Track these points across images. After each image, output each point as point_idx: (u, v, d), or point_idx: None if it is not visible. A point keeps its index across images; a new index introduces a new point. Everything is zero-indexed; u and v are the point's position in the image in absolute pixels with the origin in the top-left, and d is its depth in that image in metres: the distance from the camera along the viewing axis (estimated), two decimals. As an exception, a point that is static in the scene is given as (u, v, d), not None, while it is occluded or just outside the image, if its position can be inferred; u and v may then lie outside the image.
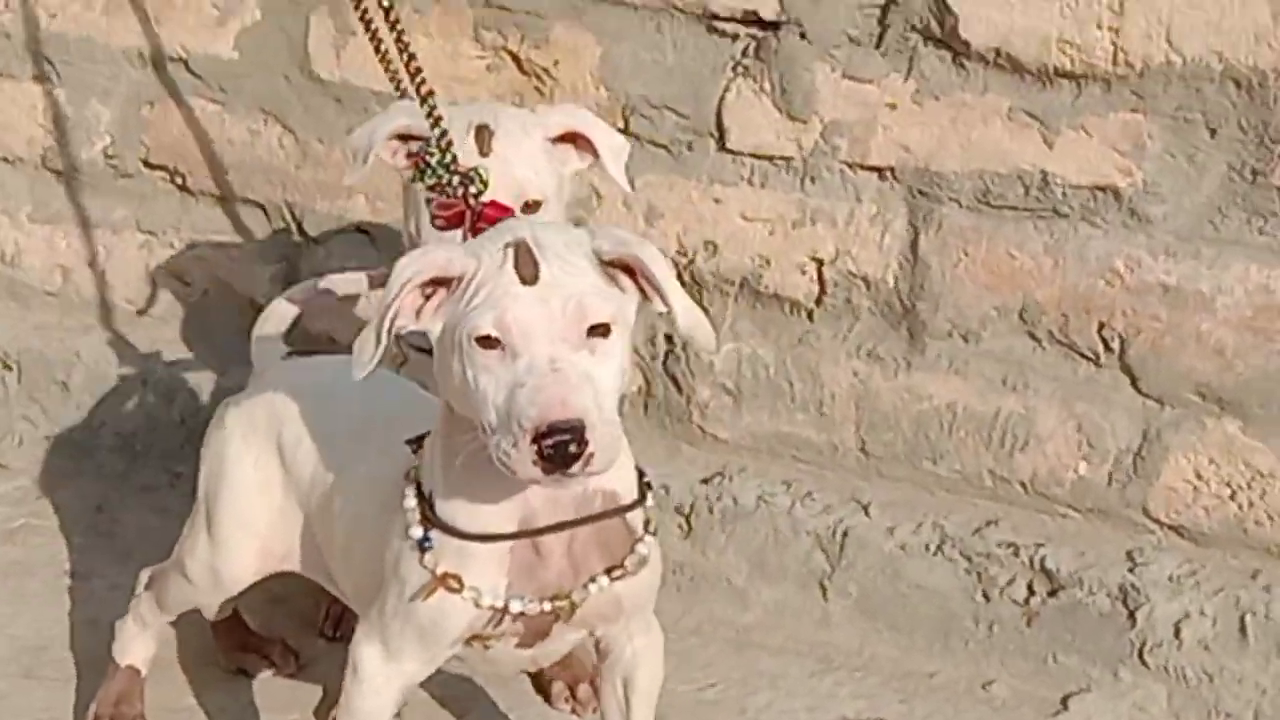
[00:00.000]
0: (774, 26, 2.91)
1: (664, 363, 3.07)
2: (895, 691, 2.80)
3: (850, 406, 2.96)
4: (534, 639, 2.20)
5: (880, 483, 2.97)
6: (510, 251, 2.00)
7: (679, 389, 3.06)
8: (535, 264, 1.99)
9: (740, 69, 2.94)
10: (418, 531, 2.13)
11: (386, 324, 2.01)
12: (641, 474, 2.18)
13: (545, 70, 3.05)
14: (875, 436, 2.96)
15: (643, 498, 2.16)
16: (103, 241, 3.43)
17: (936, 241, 2.88)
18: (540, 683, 2.76)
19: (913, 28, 2.83)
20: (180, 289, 3.40)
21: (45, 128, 3.44)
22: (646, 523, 2.17)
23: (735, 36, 2.94)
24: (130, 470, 3.32)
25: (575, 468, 1.95)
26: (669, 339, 3.06)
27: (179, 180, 3.37)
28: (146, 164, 3.39)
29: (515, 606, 2.13)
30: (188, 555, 2.50)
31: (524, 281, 1.99)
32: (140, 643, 2.65)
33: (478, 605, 2.12)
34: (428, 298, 2.04)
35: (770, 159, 2.95)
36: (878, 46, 2.86)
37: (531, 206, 2.44)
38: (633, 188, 2.58)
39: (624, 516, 2.14)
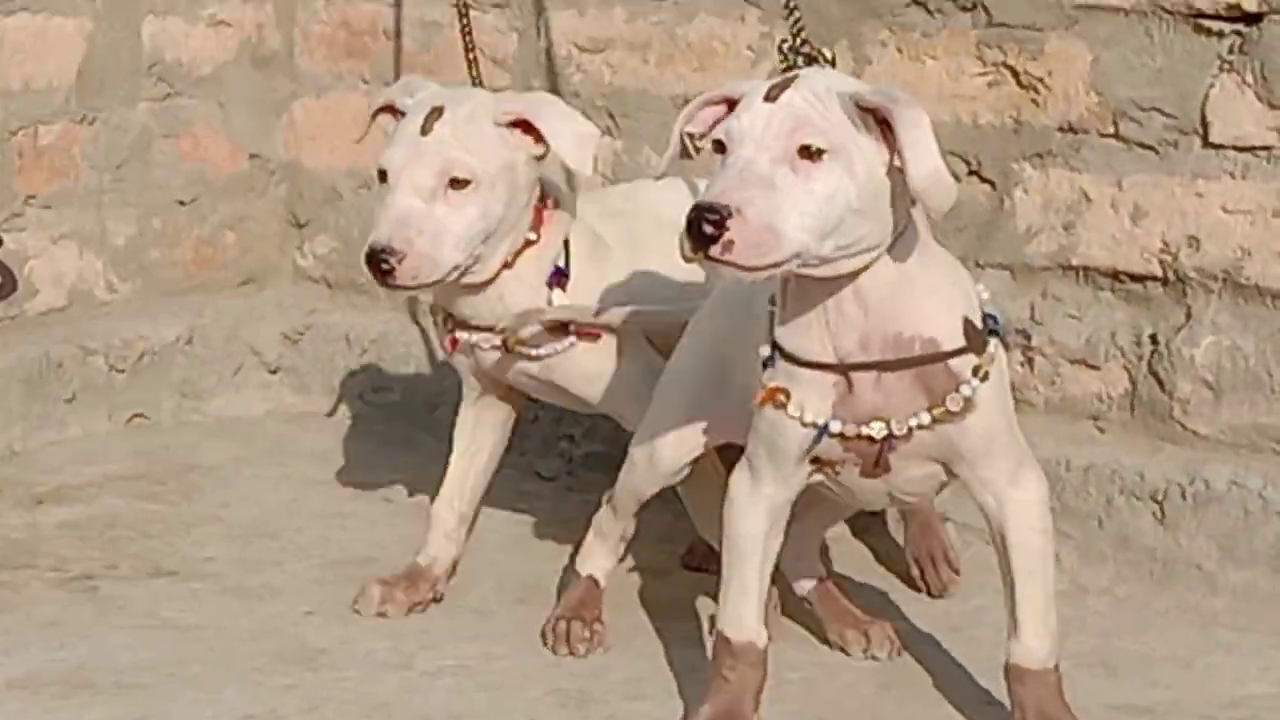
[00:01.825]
0: (1256, 19, 2.98)
1: (1149, 362, 3.11)
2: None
3: (1328, 392, 2.94)
4: (873, 469, 2.36)
5: (1360, 472, 2.91)
6: (766, 86, 2.25)
7: (1162, 387, 3.09)
8: (783, 89, 2.23)
9: (1225, 65, 3.01)
10: (765, 350, 2.36)
11: (681, 126, 2.32)
12: (984, 324, 2.33)
13: (1040, 81, 3.18)
14: (1353, 423, 2.92)
15: (974, 346, 2.30)
16: (647, 278, 3.72)
17: None
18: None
19: (1393, 3, 2.85)
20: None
21: (606, 176, 3.77)
22: (976, 369, 2.30)
23: (1220, 34, 3.02)
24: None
25: (714, 250, 2.14)
26: (1154, 339, 3.10)
27: (715, 217, 3.63)
28: (688, 203, 3.67)
29: (834, 426, 2.31)
30: (634, 445, 2.74)
31: (766, 99, 2.22)
32: (599, 554, 2.86)
33: (802, 423, 2.31)
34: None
35: (1251, 150, 3.00)
36: (1358, 27, 2.89)
37: (458, 184, 2.71)
38: (594, 172, 2.88)
39: (947, 364, 2.29)
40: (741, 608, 2.46)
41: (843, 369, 2.31)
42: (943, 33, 3.29)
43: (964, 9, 3.26)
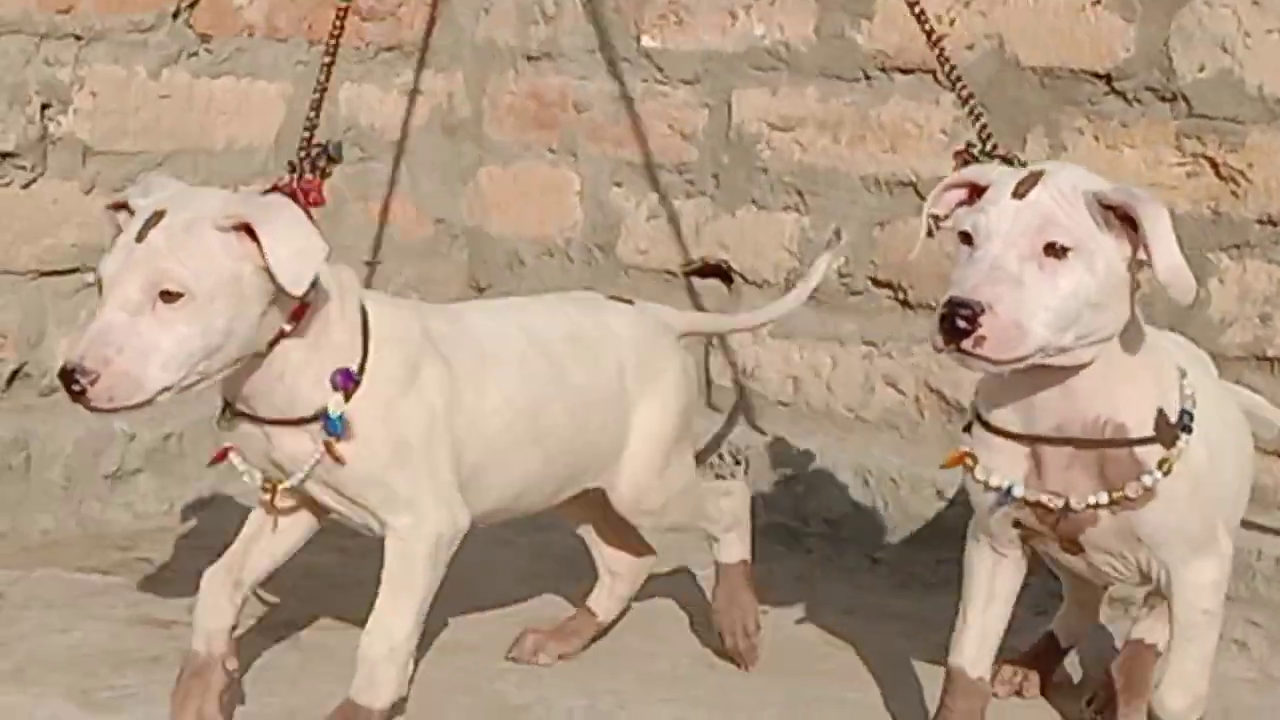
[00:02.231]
0: None
1: None
2: None
3: None
4: (1068, 545, 2.47)
5: None
6: (1013, 180, 2.34)
7: None
8: (1031, 186, 2.31)
9: None
10: (969, 420, 2.49)
11: (928, 209, 2.44)
12: (1179, 419, 2.40)
13: (1240, 173, 3.22)
14: None
15: (1163, 438, 2.38)
16: (830, 353, 3.77)
17: None
18: None
19: None
20: (894, 396, 3.69)
21: (790, 252, 3.83)
22: (1161, 461, 2.38)
23: None
24: (835, 554, 3.60)
25: (966, 344, 2.25)
26: None
27: (901, 295, 3.69)
28: (874, 282, 3.72)
29: (1017, 490, 2.42)
30: None
31: (1015, 195, 2.32)
32: None
33: (987, 486, 2.43)
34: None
35: None
36: None
37: (170, 296, 2.46)
38: (308, 290, 2.51)
39: (1132, 450, 2.37)
40: (961, 637, 2.59)
41: (1031, 440, 2.41)
42: (1141, 122, 3.34)
43: (1164, 99, 3.31)
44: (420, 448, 2.67)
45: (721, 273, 3.98)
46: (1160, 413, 2.40)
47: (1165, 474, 2.40)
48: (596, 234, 4.14)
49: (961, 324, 2.25)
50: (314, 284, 2.54)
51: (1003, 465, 2.44)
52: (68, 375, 2.43)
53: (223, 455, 2.71)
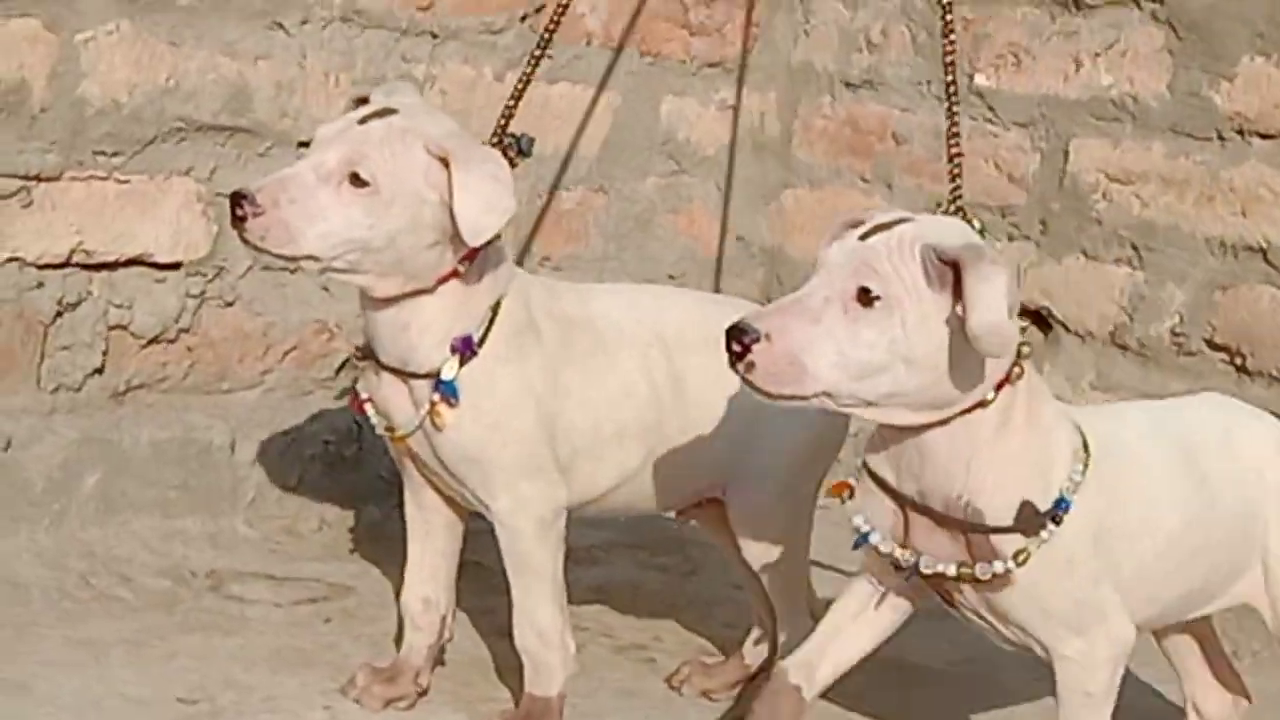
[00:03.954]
0: None
1: None
2: None
3: None
4: (949, 596, 2.41)
5: None
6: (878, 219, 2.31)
7: None
8: (882, 230, 2.29)
9: None
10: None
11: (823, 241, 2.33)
12: (1052, 508, 2.32)
13: None
14: None
15: (1024, 528, 2.31)
16: (1155, 412, 3.75)
17: None
18: None
19: None
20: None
21: (1121, 306, 3.81)
22: (1018, 552, 2.32)
23: None
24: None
25: (739, 367, 2.22)
26: None
27: (1238, 361, 3.66)
28: (1210, 344, 3.70)
29: (874, 538, 2.38)
30: None
31: (862, 235, 2.29)
32: None
33: (856, 529, 2.39)
34: None
35: None
36: None
37: (358, 182, 2.55)
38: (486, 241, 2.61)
39: (988, 537, 2.32)
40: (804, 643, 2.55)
41: (897, 497, 2.35)
42: None
43: None
44: (519, 429, 2.67)
45: (1040, 319, 3.96)
46: (1026, 503, 2.32)
47: (1020, 564, 2.32)
48: (906, 267, 4.13)
49: (735, 347, 2.21)
50: (491, 242, 2.62)
51: (874, 512, 2.38)
52: (237, 197, 2.53)
53: (359, 405, 2.73)
